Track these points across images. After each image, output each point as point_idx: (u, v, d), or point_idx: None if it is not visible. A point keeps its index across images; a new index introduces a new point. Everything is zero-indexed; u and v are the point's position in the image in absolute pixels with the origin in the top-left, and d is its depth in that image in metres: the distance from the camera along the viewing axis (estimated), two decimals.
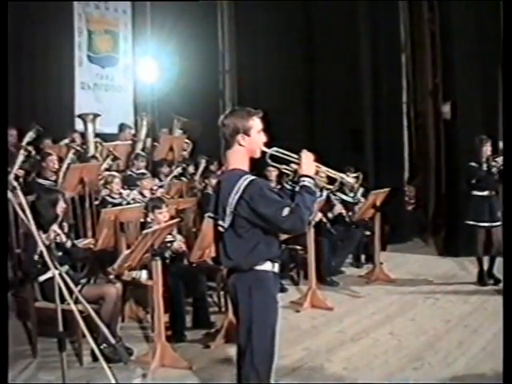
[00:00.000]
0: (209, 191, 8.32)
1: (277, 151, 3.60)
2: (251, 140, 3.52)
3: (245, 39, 12.43)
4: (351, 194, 9.29)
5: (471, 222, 8.08)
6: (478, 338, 6.05)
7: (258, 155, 3.59)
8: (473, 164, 7.98)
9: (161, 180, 8.96)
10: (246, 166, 3.58)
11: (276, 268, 3.59)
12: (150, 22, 11.44)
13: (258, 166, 3.92)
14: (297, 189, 3.51)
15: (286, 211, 3.36)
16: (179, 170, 9.28)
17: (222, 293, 6.80)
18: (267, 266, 3.54)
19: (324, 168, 3.65)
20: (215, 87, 12.67)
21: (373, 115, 11.30)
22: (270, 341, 3.55)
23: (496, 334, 6.06)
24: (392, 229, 10.31)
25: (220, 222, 3.53)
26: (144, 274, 6.21)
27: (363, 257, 9.60)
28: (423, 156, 11.90)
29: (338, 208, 9.10)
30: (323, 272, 8.17)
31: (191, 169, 9.96)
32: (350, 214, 9.25)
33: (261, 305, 3.50)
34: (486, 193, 7.97)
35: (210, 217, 3.66)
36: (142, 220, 6.58)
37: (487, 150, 7.96)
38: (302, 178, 3.51)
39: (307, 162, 3.56)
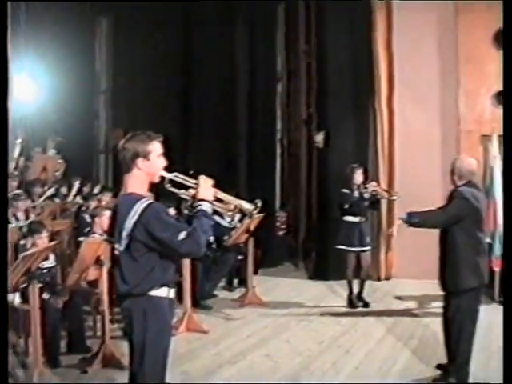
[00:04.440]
0: (84, 214, 8.13)
1: (176, 176, 3.63)
2: (151, 164, 3.53)
3: (122, 60, 12.29)
4: (228, 219, 9.38)
5: (341, 247, 8.40)
6: (351, 358, 6.27)
7: (157, 180, 3.61)
8: (345, 190, 8.33)
9: (33, 201, 8.66)
10: (144, 191, 3.58)
11: (172, 294, 3.61)
12: (24, 39, 11.08)
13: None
14: (195, 213, 3.53)
15: (182, 235, 3.38)
16: (52, 190, 9.03)
17: (98, 317, 6.64)
18: (163, 291, 3.54)
19: (222, 194, 3.72)
20: (90, 107, 12.44)
21: (247, 141, 11.49)
22: (162, 366, 3.57)
23: (368, 354, 6.37)
24: (263, 253, 10.50)
25: (116, 246, 3.51)
26: (17, 298, 5.96)
27: (236, 280, 9.70)
28: (295, 183, 12.21)
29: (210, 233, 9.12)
30: (197, 295, 8.19)
31: (64, 190, 9.70)
32: (225, 237, 9.33)
33: (155, 330, 3.49)
34: (356, 219, 8.33)
35: (106, 240, 3.63)
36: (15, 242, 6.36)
37: (358, 177, 8.35)
38: (200, 203, 3.55)
39: (205, 187, 3.61)
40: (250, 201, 3.82)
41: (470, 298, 5.31)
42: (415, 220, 5.45)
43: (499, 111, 9.54)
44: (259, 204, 3.87)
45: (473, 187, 5.39)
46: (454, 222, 5.29)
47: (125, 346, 3.83)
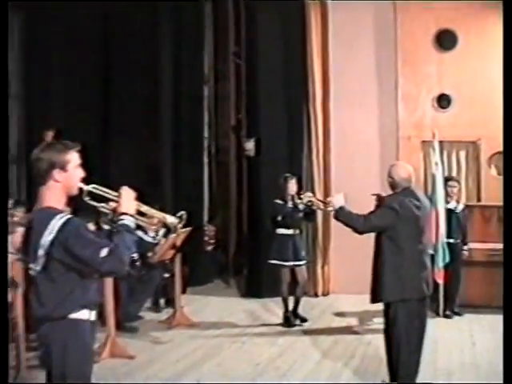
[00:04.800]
0: None
1: (94, 188, 3.59)
2: (68, 175, 3.48)
3: (35, 61, 11.94)
4: (152, 234, 9.26)
5: (275, 261, 8.45)
6: (289, 381, 6.29)
7: (75, 192, 3.55)
8: (278, 201, 8.40)
9: None
10: (61, 204, 3.51)
11: (93, 316, 3.55)
12: None
13: None
14: (116, 228, 3.49)
15: (104, 252, 3.33)
16: None
17: (12, 344, 6.42)
18: (83, 314, 3.49)
19: (145, 207, 3.69)
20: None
21: (172, 149, 11.31)
22: None
23: (307, 376, 6.41)
24: (191, 270, 10.43)
25: (31, 265, 3.42)
26: None
27: (162, 300, 9.62)
28: (224, 194, 12.23)
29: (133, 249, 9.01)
30: (121, 318, 8.08)
31: None
32: (150, 254, 9.22)
33: (76, 357, 3.43)
34: (290, 231, 8.41)
35: (19, 260, 3.55)
36: None
37: (292, 187, 8.44)
38: (122, 217, 3.51)
39: (127, 200, 3.58)
40: (175, 214, 3.78)
41: (407, 310, 5.43)
42: (341, 211, 5.71)
43: (441, 115, 9.85)
44: (184, 217, 3.84)
45: (409, 195, 5.51)
46: (374, 230, 5.55)
47: (42, 377, 3.71)
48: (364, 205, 5.92)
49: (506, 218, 5.01)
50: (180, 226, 3.84)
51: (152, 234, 9.15)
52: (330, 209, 8.29)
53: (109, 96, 11.84)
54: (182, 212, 3.85)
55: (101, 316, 7.59)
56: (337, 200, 5.86)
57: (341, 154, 10.36)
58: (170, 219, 3.75)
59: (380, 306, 5.77)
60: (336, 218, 5.82)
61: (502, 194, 5.27)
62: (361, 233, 5.66)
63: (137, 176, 10.88)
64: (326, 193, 10.13)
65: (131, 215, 3.56)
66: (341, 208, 5.74)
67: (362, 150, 10.28)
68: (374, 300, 5.65)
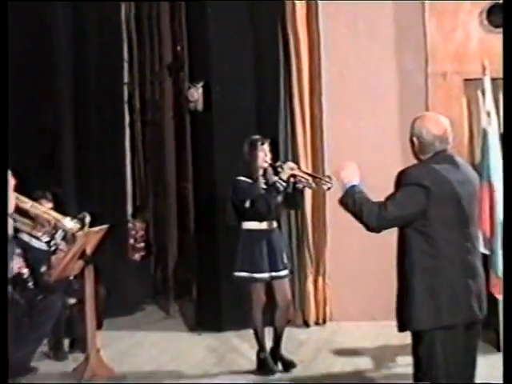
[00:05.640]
0: None
1: None
2: None
3: None
4: (46, 238, 9.11)
5: (241, 274, 8.47)
6: None
7: None
8: (243, 179, 8.39)
9: None
10: None
11: None
12: None
13: None
14: None
15: None
16: None
17: None
18: None
19: (29, 202, 3.69)
20: None
21: (74, 104, 11.38)
22: None
23: None
24: (110, 292, 10.38)
25: None
26: None
27: (67, 341, 9.61)
28: (157, 171, 12.36)
29: (17, 262, 8.89)
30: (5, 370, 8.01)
31: None
32: (43, 269, 9.10)
33: None
34: (263, 225, 8.45)
35: None
36: None
37: (264, 156, 8.41)
38: None
39: None
40: (80, 204, 3.80)
41: (448, 343, 5.38)
42: (352, 193, 5.55)
43: (494, 39, 9.69)
44: (87, 220, 3.84)
45: (446, 164, 5.49)
46: (395, 224, 5.50)
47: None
48: (374, 181, 5.84)
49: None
50: (82, 232, 3.84)
51: (45, 237, 9.05)
52: (326, 186, 8.33)
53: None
54: (85, 213, 3.86)
55: None
56: (349, 173, 5.70)
57: (338, 105, 10.34)
58: (68, 223, 3.75)
59: (406, 338, 5.74)
60: (344, 203, 5.63)
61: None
62: (376, 230, 5.56)
63: (24, 149, 10.77)
64: (315, 163, 10.28)
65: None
66: (353, 187, 5.61)
67: (370, 96, 10.27)
68: (400, 327, 5.59)
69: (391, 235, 5.62)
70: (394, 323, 5.66)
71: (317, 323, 10.40)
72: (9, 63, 6.17)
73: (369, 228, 5.52)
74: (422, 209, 5.34)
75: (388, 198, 5.46)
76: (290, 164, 8.43)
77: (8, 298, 6.35)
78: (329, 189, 8.31)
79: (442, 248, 5.39)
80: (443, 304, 5.36)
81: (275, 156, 8.79)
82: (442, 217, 5.38)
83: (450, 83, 10.11)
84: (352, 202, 5.54)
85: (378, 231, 5.54)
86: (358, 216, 5.53)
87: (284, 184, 8.25)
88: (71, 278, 8.96)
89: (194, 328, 10.48)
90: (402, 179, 5.49)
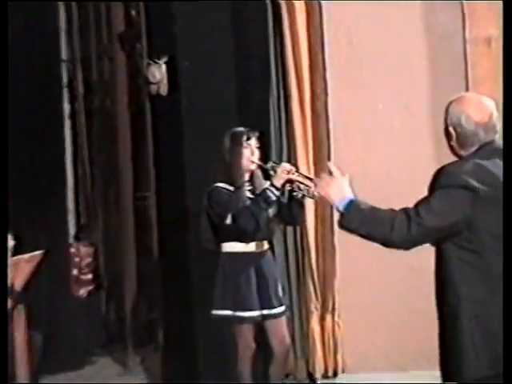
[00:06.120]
0: None
1: None
2: None
3: None
4: None
5: (222, 312, 8.43)
6: None
7: None
8: (222, 185, 8.33)
9: None
10: None
11: None
12: None
13: None
14: None
15: None
16: None
17: None
18: None
19: None
20: None
21: None
22: None
23: None
24: (48, 339, 10.82)
25: None
26: None
27: None
28: (107, 176, 12.40)
29: None
30: None
31: None
32: None
33: None
34: (250, 247, 8.44)
35: None
36: None
37: (251, 154, 8.34)
38: None
39: None
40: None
41: None
42: (352, 212, 5.52)
43: None
44: (10, 244, 3.69)
45: (494, 156, 5.47)
46: (429, 239, 5.48)
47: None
48: (397, 187, 5.64)
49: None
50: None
51: None
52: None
53: None
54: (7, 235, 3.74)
55: None
56: (338, 189, 5.66)
57: (347, 83, 10.24)
58: None
59: None
60: (346, 225, 5.60)
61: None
62: (404, 247, 5.48)
63: None
64: (319, 165, 10.19)
65: None
66: (351, 202, 5.55)
67: (389, 71, 10.16)
68: (445, 377, 5.51)
69: (421, 258, 5.61)
70: (426, 373, 5.58)
71: (325, 376, 10.27)
72: None
73: (394, 244, 5.46)
74: (468, 217, 5.30)
75: (419, 204, 5.42)
76: (285, 165, 8.32)
77: None
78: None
79: (494, 268, 5.32)
80: (500, 346, 5.23)
81: (265, 154, 8.69)
82: (494, 227, 5.31)
83: (497, 51, 9.91)
84: (360, 218, 5.54)
85: (407, 248, 5.49)
86: (372, 234, 5.57)
87: (277, 192, 8.16)
88: None
89: None
90: (440, 180, 5.45)
